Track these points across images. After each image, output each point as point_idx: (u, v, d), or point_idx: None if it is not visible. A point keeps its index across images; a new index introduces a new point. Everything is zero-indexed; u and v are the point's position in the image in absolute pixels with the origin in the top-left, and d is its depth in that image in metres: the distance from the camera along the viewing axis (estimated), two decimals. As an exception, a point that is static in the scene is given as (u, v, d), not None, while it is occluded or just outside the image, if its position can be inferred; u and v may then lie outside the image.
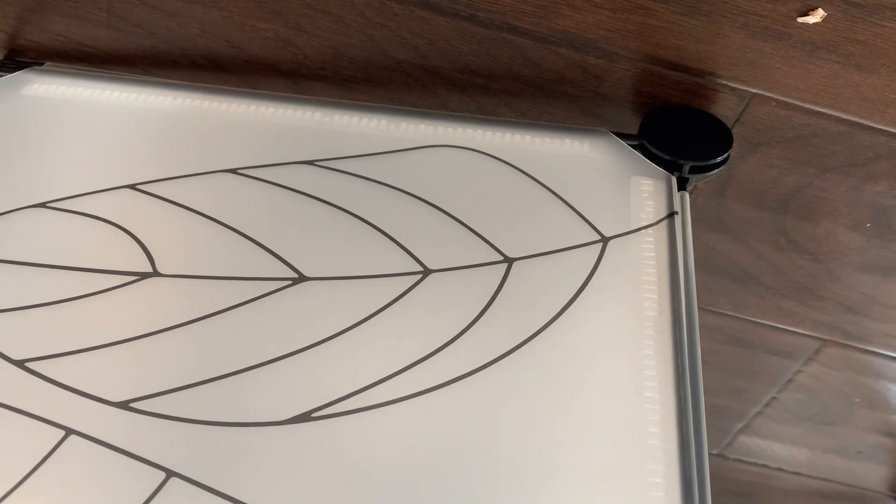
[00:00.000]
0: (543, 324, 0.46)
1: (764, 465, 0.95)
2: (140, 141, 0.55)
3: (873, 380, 0.81)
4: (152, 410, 0.41)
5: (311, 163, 0.54)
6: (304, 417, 0.41)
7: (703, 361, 0.46)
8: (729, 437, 0.92)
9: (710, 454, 0.92)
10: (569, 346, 0.46)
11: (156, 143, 0.55)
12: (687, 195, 0.55)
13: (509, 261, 0.50)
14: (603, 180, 0.55)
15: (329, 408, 0.42)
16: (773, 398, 0.85)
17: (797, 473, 0.96)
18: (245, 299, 0.46)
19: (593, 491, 0.41)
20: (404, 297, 0.47)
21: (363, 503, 0.39)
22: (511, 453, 0.41)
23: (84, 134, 0.56)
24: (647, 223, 0.52)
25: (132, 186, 0.52)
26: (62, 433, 0.40)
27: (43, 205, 0.51)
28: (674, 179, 0.55)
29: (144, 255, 0.48)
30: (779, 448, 0.93)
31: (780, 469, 0.96)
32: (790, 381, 0.83)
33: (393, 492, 0.39)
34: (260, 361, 0.43)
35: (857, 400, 0.84)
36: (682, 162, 0.56)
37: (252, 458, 0.40)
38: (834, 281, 0.72)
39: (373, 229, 0.51)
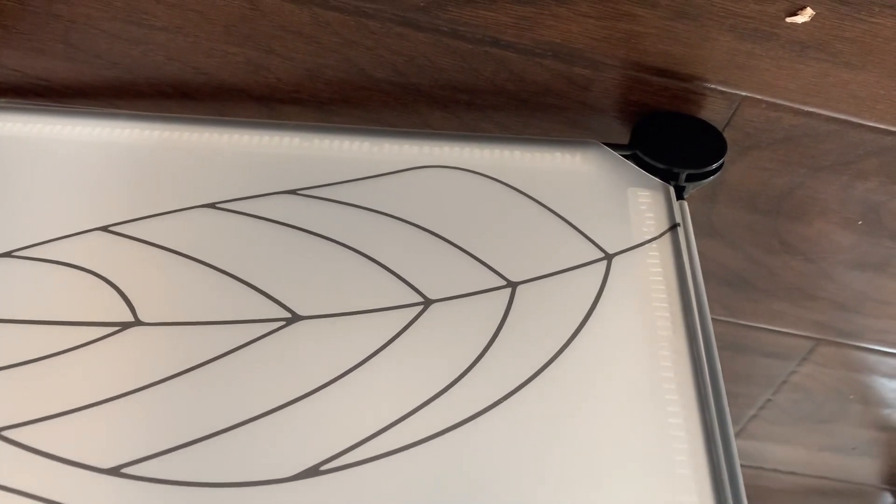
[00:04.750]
0: (556, 350, 0.44)
1: (759, 468, 0.94)
2: (109, 179, 0.52)
3: (867, 376, 0.81)
4: (147, 475, 0.38)
5: (293, 192, 0.51)
6: (313, 472, 0.38)
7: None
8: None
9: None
10: (584, 372, 0.43)
11: (126, 180, 0.52)
12: (686, 204, 0.53)
13: (513, 285, 0.47)
14: (599, 194, 0.53)
15: (338, 459, 0.39)
16: (768, 400, 0.84)
17: (792, 473, 0.95)
18: (236, 345, 0.43)
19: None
20: (406, 330, 0.45)
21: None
22: (536, 488, 0.39)
23: (47, 174, 0.52)
24: (650, 237, 0.50)
25: (104, 228, 0.48)
26: (49, 509, 0.36)
27: (8, 254, 0.47)
28: (672, 189, 0.53)
29: (124, 302, 0.45)
30: (774, 449, 0.92)
31: (774, 469, 0.95)
32: (785, 382, 0.82)
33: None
34: (258, 413, 0.40)
35: (851, 396, 0.83)
36: (677, 170, 0.54)
37: (260, 521, 0.37)
38: (827, 280, 0.71)
39: (366, 260, 0.48)
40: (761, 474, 0.95)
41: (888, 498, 0.97)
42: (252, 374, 0.42)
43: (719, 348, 0.78)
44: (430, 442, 0.40)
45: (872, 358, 0.78)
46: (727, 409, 0.43)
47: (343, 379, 0.42)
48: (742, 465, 0.95)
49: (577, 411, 0.42)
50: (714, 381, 0.44)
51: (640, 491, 0.39)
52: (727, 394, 0.84)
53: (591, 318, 0.46)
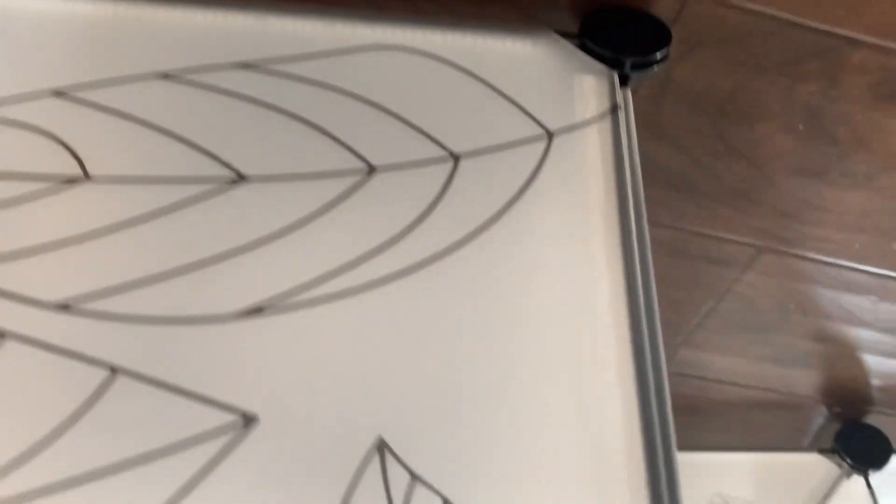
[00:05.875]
0: (492, 217, 0.46)
1: (703, 377, 0.98)
2: (60, 45, 0.52)
3: (806, 285, 0.84)
4: (94, 309, 0.39)
5: (245, 65, 0.52)
6: (255, 312, 0.40)
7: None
8: (670, 351, 0.94)
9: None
10: (519, 239, 0.46)
11: (77, 47, 0.52)
12: (629, 91, 0.55)
13: (455, 157, 0.49)
14: (546, 78, 0.55)
15: (279, 301, 0.41)
16: (712, 309, 0.87)
17: (735, 384, 0.99)
18: (184, 198, 0.44)
19: (546, 389, 0.41)
20: (352, 194, 0.46)
21: (316, 394, 0.39)
22: (465, 344, 0.41)
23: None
24: (590, 116, 0.52)
25: (54, 92, 0.49)
26: (-3, 336, 0.38)
27: (-44, 112, 0.47)
28: (616, 75, 0.55)
29: (73, 159, 0.46)
30: (718, 359, 0.95)
31: (719, 381, 0.99)
32: (728, 290, 0.85)
33: (344, 384, 0.39)
34: (203, 259, 0.42)
35: (791, 306, 0.86)
36: (623, 58, 0.56)
37: (204, 354, 0.39)
38: (769, 185, 0.73)
39: (314, 129, 0.49)
40: (705, 385, 0.99)
41: (823, 411, 1.01)
42: (199, 227, 0.44)
43: (664, 254, 0.81)
44: (368, 292, 0.42)
45: (811, 267, 0.81)
46: (654, 288, 0.45)
47: (287, 235, 0.44)
48: (686, 375, 0.99)
49: (508, 275, 0.44)
50: (643, 256, 0.46)
51: (564, 355, 0.41)
52: (670, 300, 0.86)
53: (529, 188, 0.48)
